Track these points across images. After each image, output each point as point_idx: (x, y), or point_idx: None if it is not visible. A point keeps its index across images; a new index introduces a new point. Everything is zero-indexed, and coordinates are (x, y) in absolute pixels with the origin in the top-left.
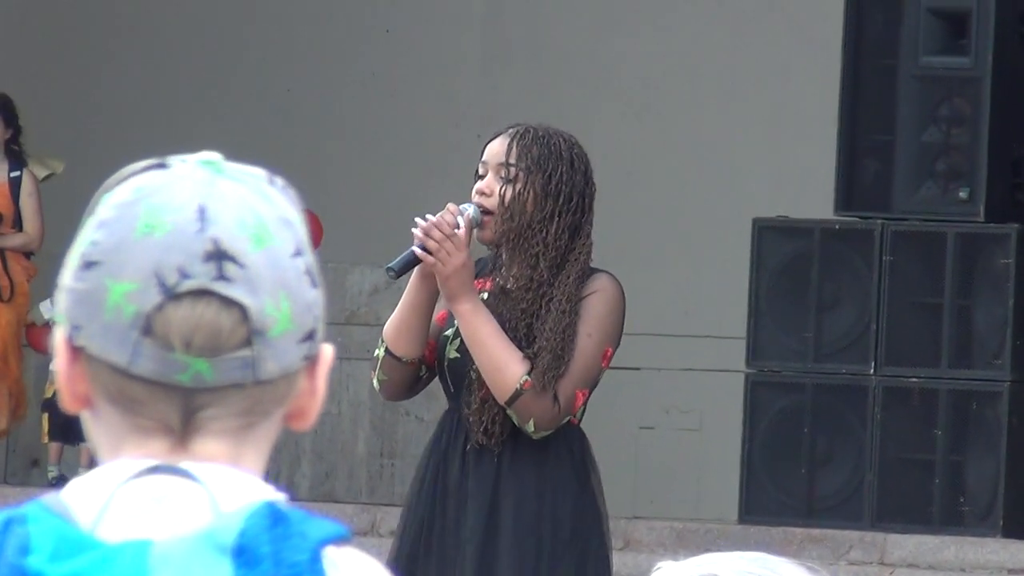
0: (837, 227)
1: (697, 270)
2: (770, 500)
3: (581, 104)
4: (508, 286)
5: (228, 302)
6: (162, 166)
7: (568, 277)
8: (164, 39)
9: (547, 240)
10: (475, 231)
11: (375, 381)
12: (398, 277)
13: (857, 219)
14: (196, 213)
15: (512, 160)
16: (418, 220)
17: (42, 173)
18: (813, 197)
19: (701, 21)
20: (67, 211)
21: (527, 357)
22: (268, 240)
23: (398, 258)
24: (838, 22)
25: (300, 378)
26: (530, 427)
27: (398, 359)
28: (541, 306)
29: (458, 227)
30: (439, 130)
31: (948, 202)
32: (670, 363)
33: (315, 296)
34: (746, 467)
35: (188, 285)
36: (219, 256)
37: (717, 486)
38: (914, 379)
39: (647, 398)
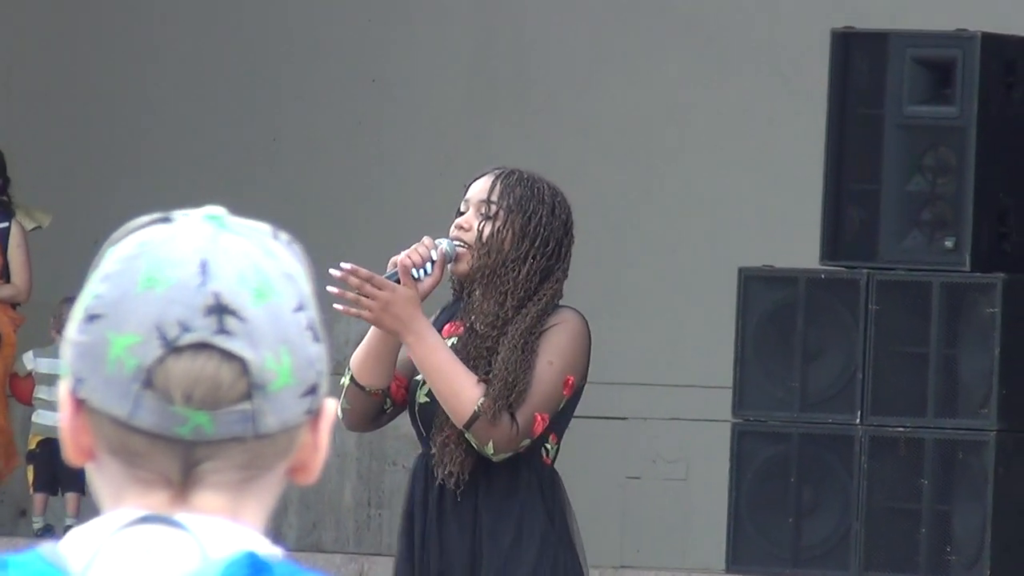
0: (823, 276)
1: (683, 319)
2: (757, 549)
3: (567, 153)
4: (476, 325)
5: (228, 356)
6: (166, 220)
7: (528, 313)
8: (150, 88)
9: (517, 280)
10: (449, 265)
11: (339, 409)
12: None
13: (843, 268)
14: (198, 267)
15: (494, 198)
16: (337, 272)
17: (29, 226)
18: (799, 246)
19: (687, 69)
20: (54, 263)
21: (482, 381)
22: (270, 294)
23: None
24: (823, 71)
25: (302, 432)
26: (489, 449)
27: (362, 388)
28: (500, 341)
29: (431, 260)
30: (425, 179)
31: (934, 251)
32: (656, 412)
33: (318, 351)
34: (733, 516)
35: (189, 338)
36: (220, 310)
37: (704, 535)
38: (900, 428)
39: (633, 448)
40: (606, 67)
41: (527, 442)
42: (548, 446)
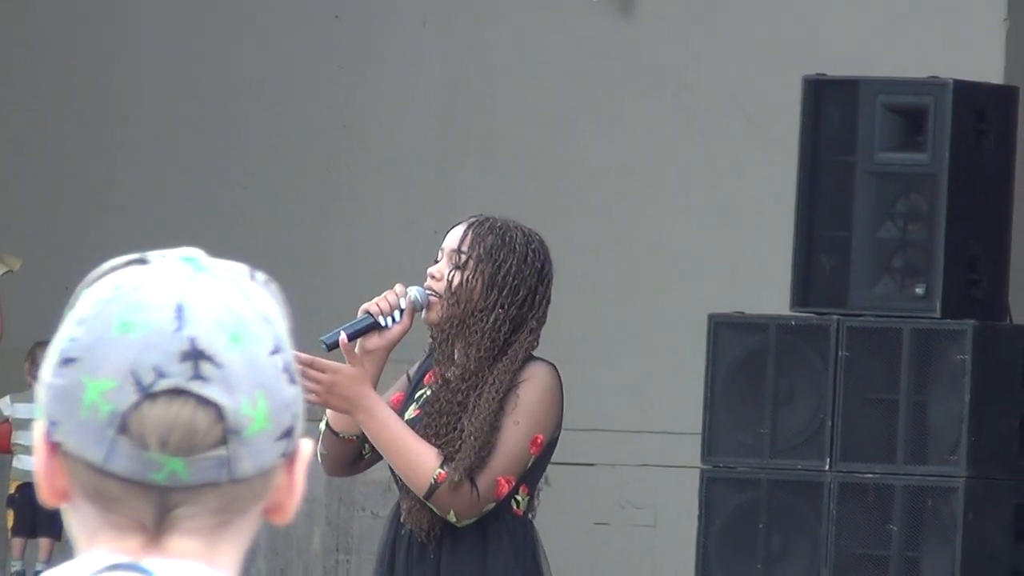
0: (793, 323)
1: (652, 366)
2: None
3: (535, 200)
4: (448, 376)
5: (204, 402)
6: (142, 262)
7: (503, 370)
8: (119, 132)
9: (484, 329)
10: (422, 313)
11: (317, 454)
12: (331, 350)
13: (813, 315)
14: (173, 312)
15: (464, 247)
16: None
17: (0, 270)
18: (769, 293)
19: (657, 116)
20: (26, 307)
21: (440, 450)
22: (246, 338)
23: (333, 332)
24: (794, 118)
25: (277, 474)
26: (452, 517)
27: (336, 434)
28: (471, 398)
29: (400, 308)
30: (395, 226)
31: (904, 298)
32: (625, 459)
33: (293, 393)
34: (701, 563)
35: (164, 384)
36: (196, 355)
37: None
38: (869, 475)
39: (601, 494)
40: (575, 114)
41: (491, 506)
42: (519, 498)
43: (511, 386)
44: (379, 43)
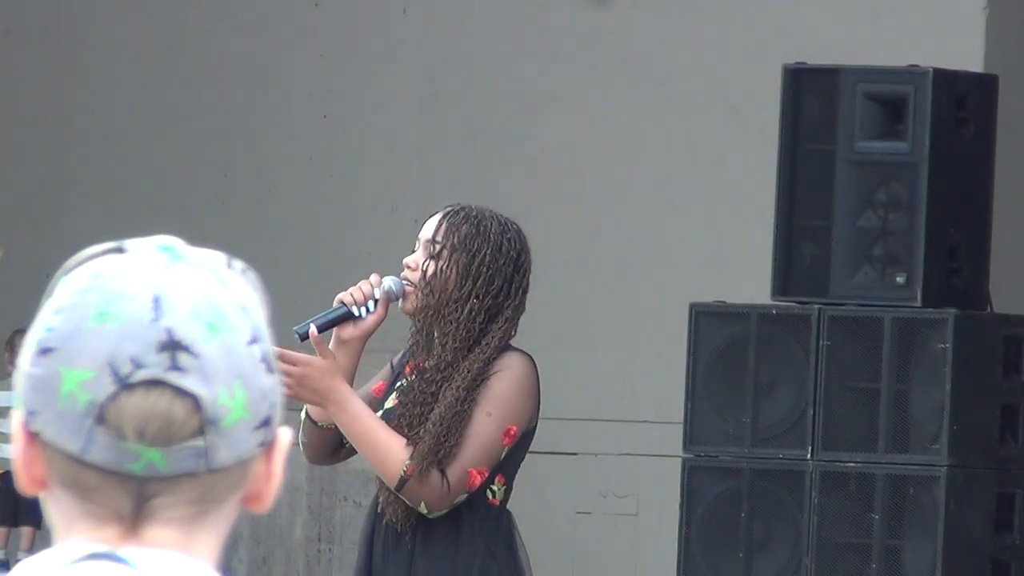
0: (774, 312)
1: (633, 355)
2: None
3: (517, 188)
4: (425, 366)
5: (181, 392)
6: (119, 250)
7: (474, 360)
8: (99, 121)
9: (460, 320)
10: (399, 302)
11: (299, 443)
12: (303, 340)
13: (794, 304)
14: (151, 302)
15: (439, 237)
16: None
17: None
18: (750, 282)
19: (638, 105)
20: (3, 294)
21: (409, 441)
22: (223, 328)
23: (305, 322)
24: (775, 107)
25: (256, 463)
26: (423, 508)
27: (315, 423)
28: (444, 388)
29: (374, 299)
30: (376, 215)
31: (885, 287)
32: (606, 448)
33: (271, 383)
34: (683, 552)
35: (141, 375)
36: (173, 346)
37: (654, 571)
38: (851, 464)
39: (583, 483)
40: (556, 102)
41: (463, 497)
42: (494, 487)
43: (482, 376)
44: (360, 30)
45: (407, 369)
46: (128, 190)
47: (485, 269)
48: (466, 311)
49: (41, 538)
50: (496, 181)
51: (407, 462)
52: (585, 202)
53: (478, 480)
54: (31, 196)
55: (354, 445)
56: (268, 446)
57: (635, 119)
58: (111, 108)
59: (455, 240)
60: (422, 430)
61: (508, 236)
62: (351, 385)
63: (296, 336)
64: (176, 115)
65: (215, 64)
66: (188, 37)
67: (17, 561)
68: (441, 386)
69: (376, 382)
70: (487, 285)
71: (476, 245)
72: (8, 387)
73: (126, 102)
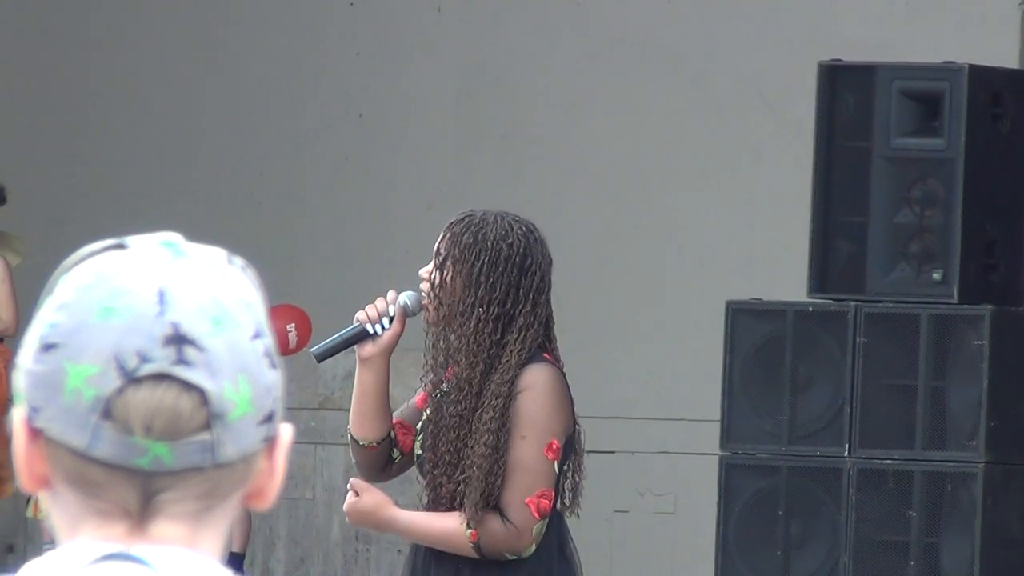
0: (810, 309)
1: (670, 353)
2: None
3: (553, 186)
4: (445, 387)
5: (188, 386)
6: (121, 247)
7: (499, 385)
8: (137, 120)
9: (468, 333)
10: (422, 314)
11: (353, 463)
12: (320, 361)
13: (830, 301)
14: (156, 296)
15: (442, 249)
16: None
17: (14, 260)
18: (786, 279)
19: (674, 102)
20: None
21: (462, 512)
22: (228, 323)
23: (323, 343)
24: (810, 104)
25: (259, 459)
26: (511, 557)
27: (356, 442)
28: (468, 412)
29: (389, 316)
30: (411, 213)
31: (921, 284)
32: (644, 446)
33: (274, 378)
34: (721, 549)
35: (148, 369)
36: (179, 340)
37: (692, 569)
38: (888, 461)
39: (621, 481)
40: (591, 101)
41: (539, 526)
42: None
43: (509, 400)
44: (395, 29)
45: (447, 375)
46: (163, 191)
47: (484, 278)
48: (473, 322)
49: None
50: (531, 179)
51: (468, 532)
52: (621, 200)
53: (546, 505)
54: (64, 195)
55: (421, 543)
56: (271, 442)
57: (671, 117)
58: (145, 107)
59: (456, 251)
60: (463, 466)
61: (509, 241)
62: (387, 393)
63: (313, 359)
64: (212, 114)
65: (251, 63)
66: (224, 36)
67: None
68: (464, 406)
69: (419, 394)
70: (489, 294)
71: (475, 254)
72: None
73: (161, 101)
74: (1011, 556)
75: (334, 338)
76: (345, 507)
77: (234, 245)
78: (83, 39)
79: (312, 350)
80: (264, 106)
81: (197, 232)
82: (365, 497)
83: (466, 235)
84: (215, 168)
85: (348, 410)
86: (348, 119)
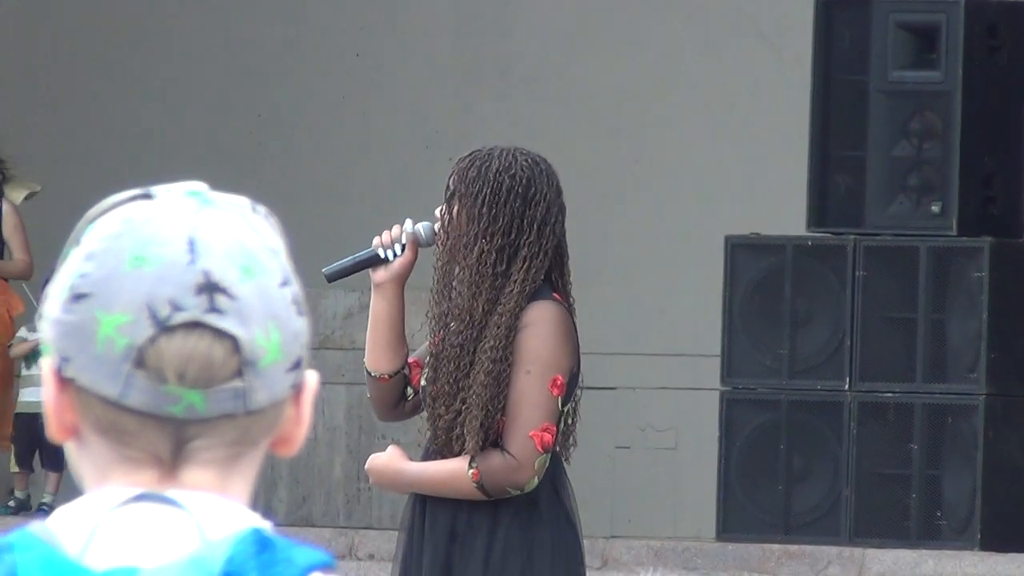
0: (810, 243)
1: (670, 289)
2: (747, 517)
3: (552, 125)
4: (449, 320)
5: (220, 334)
6: (147, 196)
7: (502, 316)
8: (136, 64)
9: (470, 264)
10: (435, 247)
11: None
12: (331, 282)
13: (829, 235)
14: (186, 245)
15: (451, 184)
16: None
17: (19, 198)
18: (785, 214)
19: (672, 39)
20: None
21: (462, 455)
22: (257, 271)
23: (335, 264)
24: (808, 38)
25: (287, 406)
26: (515, 492)
27: (370, 374)
28: (472, 346)
29: (401, 243)
30: (411, 152)
31: (920, 216)
32: (645, 382)
33: (302, 325)
34: (723, 484)
35: (181, 317)
36: (210, 288)
37: (694, 504)
38: (889, 394)
39: (622, 417)
40: (590, 38)
41: (543, 459)
42: None
43: (512, 332)
44: None
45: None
46: (163, 133)
47: (487, 209)
48: (476, 253)
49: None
50: (530, 117)
51: (470, 471)
52: (619, 136)
53: (549, 439)
54: (65, 138)
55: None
56: (298, 389)
57: (669, 54)
58: (147, 51)
59: (462, 185)
60: (463, 397)
61: (512, 172)
62: (401, 325)
63: (324, 278)
64: (209, 55)
65: (248, 5)
66: None
67: (42, 503)
68: (467, 337)
69: (434, 334)
70: (491, 224)
71: (477, 187)
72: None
73: (161, 45)
74: (1013, 488)
75: (347, 259)
76: (366, 465)
77: (233, 186)
78: None
79: (324, 269)
80: (261, 47)
81: (196, 174)
82: (382, 454)
83: (471, 169)
84: (213, 109)
85: (349, 349)
86: (346, 59)
